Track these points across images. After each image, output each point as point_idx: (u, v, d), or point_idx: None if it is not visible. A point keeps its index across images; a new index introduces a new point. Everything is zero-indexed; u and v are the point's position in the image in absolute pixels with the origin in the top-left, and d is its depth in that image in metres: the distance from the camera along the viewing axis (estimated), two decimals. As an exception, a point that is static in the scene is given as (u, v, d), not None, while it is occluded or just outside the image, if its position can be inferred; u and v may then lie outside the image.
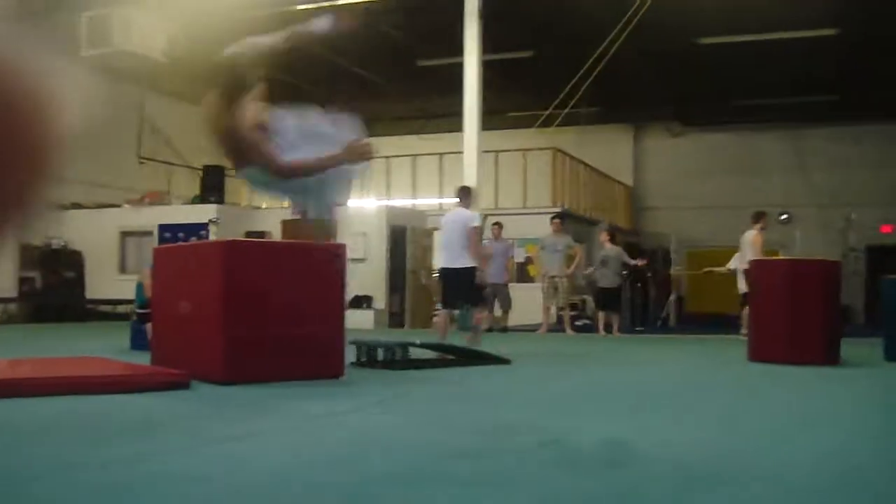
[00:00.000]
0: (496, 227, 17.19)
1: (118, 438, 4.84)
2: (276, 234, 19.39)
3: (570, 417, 5.93)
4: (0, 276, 20.31)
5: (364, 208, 21.47)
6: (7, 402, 6.09)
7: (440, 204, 22.07)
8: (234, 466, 4.06)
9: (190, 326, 7.91)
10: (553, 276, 16.88)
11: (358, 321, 16.34)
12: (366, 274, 18.43)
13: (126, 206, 21.92)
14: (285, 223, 19.14)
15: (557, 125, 21.29)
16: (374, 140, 24.84)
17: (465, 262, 11.35)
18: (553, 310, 17.38)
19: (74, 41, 16.90)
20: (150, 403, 6.33)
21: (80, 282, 21.75)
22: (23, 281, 20.88)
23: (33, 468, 3.94)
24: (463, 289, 11.48)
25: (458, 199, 12.11)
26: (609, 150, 26.77)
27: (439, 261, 11.60)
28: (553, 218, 17.41)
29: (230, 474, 3.87)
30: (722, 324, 18.76)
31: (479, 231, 11.80)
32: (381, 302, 19.34)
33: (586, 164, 24.39)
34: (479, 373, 8.94)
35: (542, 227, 17.77)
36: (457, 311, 13.44)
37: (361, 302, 18.60)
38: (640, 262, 18.02)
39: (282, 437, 5.01)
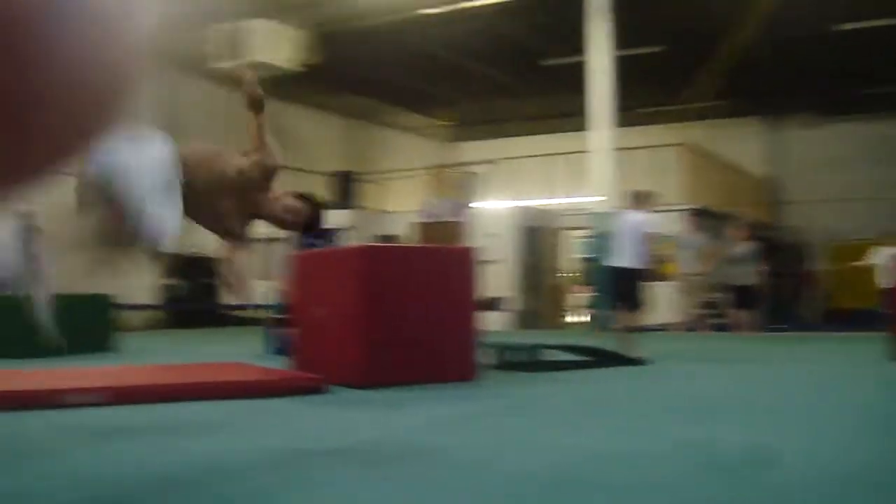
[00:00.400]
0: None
1: (262, 441, 4.91)
2: (407, 239, 19.59)
3: (710, 420, 5.77)
4: (144, 284, 20.99)
5: (496, 209, 21.45)
6: (150, 407, 6.26)
7: (572, 203, 21.90)
8: (371, 470, 4.07)
9: (327, 331, 8.00)
10: (688, 274, 16.57)
11: (490, 322, 16.32)
12: (498, 275, 18.39)
13: (261, 213, 22.34)
14: (416, 227, 19.35)
15: (687, 120, 20.93)
16: (504, 141, 24.69)
17: (637, 263, 11.24)
18: (689, 308, 17.06)
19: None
20: (283, 409, 6.41)
21: (217, 288, 22.28)
22: (164, 288, 21.52)
23: (174, 471, 4.02)
24: (628, 289, 11.38)
25: (631, 202, 11.97)
26: (740, 143, 26.03)
27: (610, 260, 11.58)
28: (688, 215, 17.09)
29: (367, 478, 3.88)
30: (867, 320, 18.09)
31: (654, 236, 11.73)
32: (513, 303, 19.29)
33: (718, 159, 23.84)
34: (613, 374, 8.81)
35: (675, 224, 17.45)
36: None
37: (494, 303, 18.58)
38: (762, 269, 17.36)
39: (421, 439, 5.00)
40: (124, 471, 4.09)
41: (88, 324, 11.43)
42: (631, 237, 11.67)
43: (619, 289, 11.88)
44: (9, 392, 6.23)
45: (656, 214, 12.81)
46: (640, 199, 12.14)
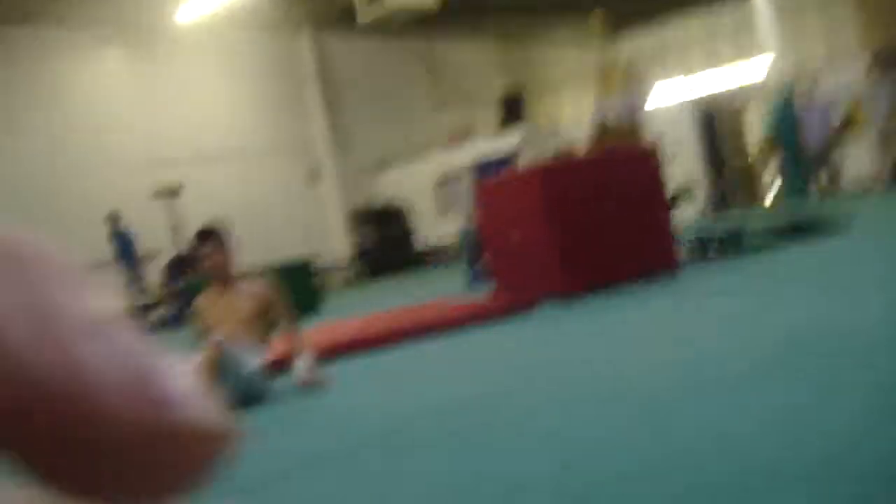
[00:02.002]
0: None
1: (475, 375, 5.02)
2: (584, 147, 19.37)
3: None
4: (336, 243, 21.63)
5: (668, 100, 20.95)
6: (368, 358, 6.48)
7: (745, 79, 21.12)
8: (602, 370, 4.11)
9: (523, 253, 8.05)
10: (880, 126, 15.72)
11: (683, 215, 16.01)
12: (682, 166, 18.00)
13: (436, 151, 22.57)
14: (591, 133, 19.10)
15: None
16: (666, 25, 23.68)
17: (822, 135, 10.99)
18: (887, 162, 16.23)
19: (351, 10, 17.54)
20: (498, 334, 6.52)
21: (408, 233, 22.70)
22: (356, 243, 22.08)
23: (404, 414, 4.15)
24: (818, 158, 11.15)
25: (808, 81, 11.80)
26: None
27: (795, 135, 11.55)
28: (869, 62, 16.14)
29: (600, 377, 3.92)
30: None
31: (832, 105, 11.64)
32: (703, 192, 18.87)
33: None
34: (815, 246, 8.45)
35: (856, 76, 16.53)
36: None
37: (682, 195, 18.22)
38: None
39: (635, 340, 5.00)
40: (377, 412, 4.27)
41: (296, 290, 11.84)
42: (816, 121, 11.42)
43: (809, 160, 11.48)
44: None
45: (830, 99, 12.62)
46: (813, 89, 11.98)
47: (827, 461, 2.27)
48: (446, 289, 11.40)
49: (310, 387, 5.18)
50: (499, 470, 2.84)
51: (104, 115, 17.55)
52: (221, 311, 5.46)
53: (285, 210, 20.61)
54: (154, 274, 16.42)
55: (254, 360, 5.16)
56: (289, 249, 16.54)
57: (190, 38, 18.98)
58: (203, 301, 5.64)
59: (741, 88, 20.86)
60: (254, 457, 3.75)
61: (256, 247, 18.19)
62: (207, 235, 5.61)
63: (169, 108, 18.77)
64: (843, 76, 17.24)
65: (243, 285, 5.59)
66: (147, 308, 15.64)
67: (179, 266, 15.74)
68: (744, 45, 20.90)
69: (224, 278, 5.57)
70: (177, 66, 19.38)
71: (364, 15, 17.45)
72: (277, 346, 5.65)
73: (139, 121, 18.19)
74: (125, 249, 16.00)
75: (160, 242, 16.71)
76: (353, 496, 2.92)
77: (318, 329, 8.70)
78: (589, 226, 7.68)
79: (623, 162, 8.28)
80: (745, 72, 21.15)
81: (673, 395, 3.41)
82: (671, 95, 21.73)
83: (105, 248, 15.74)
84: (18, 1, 15.98)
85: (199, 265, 5.62)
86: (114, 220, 15.90)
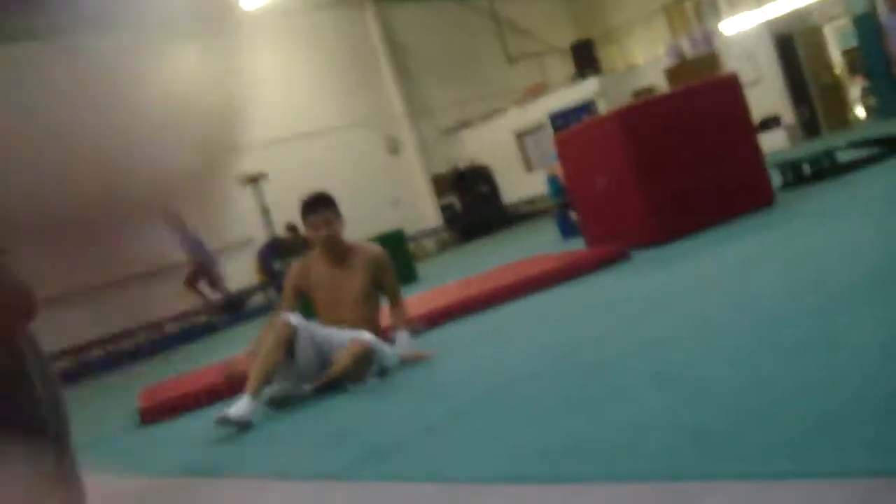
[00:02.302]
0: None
1: (581, 324, 5.02)
2: (662, 87, 19.08)
3: None
4: (424, 211, 21.72)
5: (742, 28, 20.47)
6: (471, 320, 6.52)
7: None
8: (694, 322, 4.08)
9: (611, 201, 7.99)
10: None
11: (771, 143, 15.68)
12: (765, 93, 17.61)
13: (513, 107, 22.47)
14: (668, 72, 18.79)
15: None
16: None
17: None
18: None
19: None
20: (597, 283, 6.50)
21: (494, 192, 22.69)
22: (443, 208, 22.15)
23: (521, 370, 4.18)
24: None
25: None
26: None
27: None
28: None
29: (696, 333, 3.89)
30: None
31: None
32: (789, 117, 18.45)
33: None
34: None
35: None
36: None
37: (769, 123, 17.85)
38: None
39: (739, 277, 4.94)
40: (493, 369, 4.31)
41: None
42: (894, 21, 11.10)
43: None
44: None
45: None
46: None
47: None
48: (538, 245, 11.38)
49: (413, 361, 5.19)
50: (621, 416, 2.84)
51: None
52: (334, 290, 5.32)
53: (371, 183, 20.73)
54: (249, 260, 16.71)
55: (387, 349, 5.10)
56: (378, 222, 16.66)
57: (256, 23, 19.13)
58: (310, 273, 5.40)
59: (818, 3, 20.28)
60: (377, 425, 3.83)
61: (348, 222, 18.38)
62: (323, 202, 5.37)
63: (240, 93, 18.94)
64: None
65: (355, 257, 5.39)
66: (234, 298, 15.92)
67: (275, 249, 15.99)
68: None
69: (338, 250, 5.36)
70: (246, 52, 19.55)
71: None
72: (383, 317, 5.59)
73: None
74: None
75: (251, 228, 17.00)
76: (477, 454, 2.96)
77: (418, 297, 8.77)
78: (676, 165, 7.56)
79: (704, 95, 8.12)
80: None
81: (796, 321, 3.38)
82: (746, 21, 21.23)
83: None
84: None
85: (310, 236, 5.38)
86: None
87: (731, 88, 8.06)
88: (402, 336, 5.33)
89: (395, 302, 5.48)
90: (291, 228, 15.86)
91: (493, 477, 2.66)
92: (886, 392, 2.30)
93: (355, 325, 5.19)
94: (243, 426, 4.57)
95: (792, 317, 3.52)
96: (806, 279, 4.23)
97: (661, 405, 2.84)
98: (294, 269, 5.50)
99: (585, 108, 20.15)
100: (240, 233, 16.82)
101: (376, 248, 5.53)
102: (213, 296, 15.37)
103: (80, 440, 2.44)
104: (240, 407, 4.59)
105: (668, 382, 3.09)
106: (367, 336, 5.00)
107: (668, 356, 3.50)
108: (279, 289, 16.03)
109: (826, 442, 2.09)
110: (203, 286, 15.22)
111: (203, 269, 15.01)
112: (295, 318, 5.00)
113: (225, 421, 4.54)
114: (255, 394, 4.70)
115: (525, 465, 2.68)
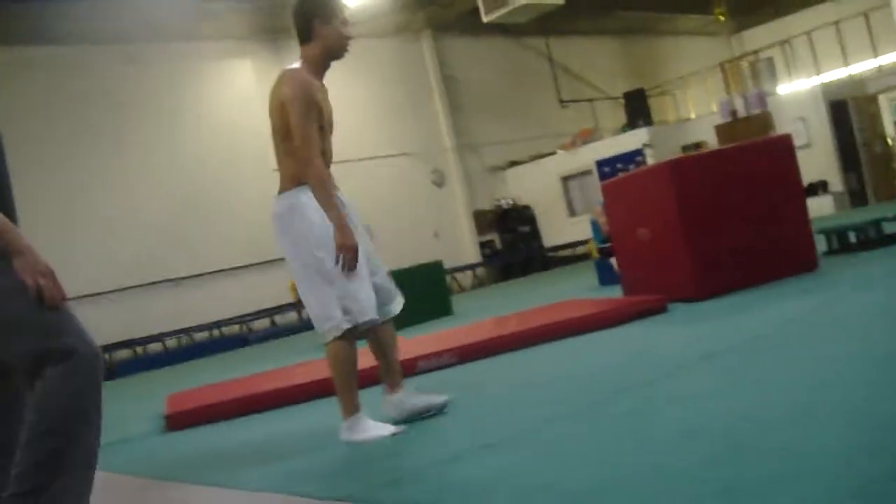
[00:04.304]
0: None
1: (615, 370, 5.01)
2: (711, 142, 19.05)
3: None
4: (463, 246, 21.76)
5: (797, 91, 20.43)
6: (502, 358, 6.52)
7: (878, 66, 20.44)
8: (722, 383, 4.07)
9: (653, 252, 7.98)
10: None
11: (817, 208, 15.60)
12: (815, 158, 17.54)
13: (561, 151, 22.51)
14: (719, 128, 18.78)
15: None
16: (790, 17, 23.05)
17: None
18: None
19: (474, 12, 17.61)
20: (634, 332, 6.49)
21: (534, 234, 22.72)
22: (483, 245, 22.20)
23: (554, 410, 4.18)
24: None
25: None
26: None
27: None
28: None
29: (720, 388, 3.88)
30: None
31: None
32: (837, 184, 18.36)
33: None
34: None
35: None
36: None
37: (816, 188, 17.77)
38: None
39: (778, 340, 4.92)
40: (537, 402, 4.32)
41: (428, 292, 12.02)
42: None
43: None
44: (367, 370, 6.66)
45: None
46: None
47: None
48: (575, 289, 11.38)
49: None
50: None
51: (239, 126, 17.83)
52: (329, 116, 4.67)
53: (414, 213, 20.83)
54: (285, 278, 16.81)
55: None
56: (418, 253, 16.71)
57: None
58: (316, 89, 4.49)
59: (875, 72, 20.22)
60: (403, 448, 3.85)
61: (387, 250, 18.47)
62: None
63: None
64: None
65: None
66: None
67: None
68: (876, 33, 20.23)
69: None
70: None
71: (489, 14, 17.50)
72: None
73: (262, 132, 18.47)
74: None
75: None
76: (498, 489, 2.96)
77: (453, 330, 8.80)
78: (722, 222, 7.54)
79: (755, 154, 8.11)
80: (878, 59, 20.49)
81: (833, 386, 3.36)
82: (801, 84, 21.20)
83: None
84: (147, 20, 16.51)
85: (335, 37, 4.49)
86: None
87: (783, 150, 8.05)
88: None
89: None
90: None
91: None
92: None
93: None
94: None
95: (829, 382, 3.51)
96: (847, 346, 4.21)
97: (691, 458, 2.84)
98: (305, 79, 4.42)
99: (633, 157, 20.14)
100: (279, 250, 16.90)
101: None
102: None
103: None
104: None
105: (700, 435, 3.09)
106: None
107: (703, 410, 3.49)
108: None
109: (858, 508, 2.09)
110: None
111: None
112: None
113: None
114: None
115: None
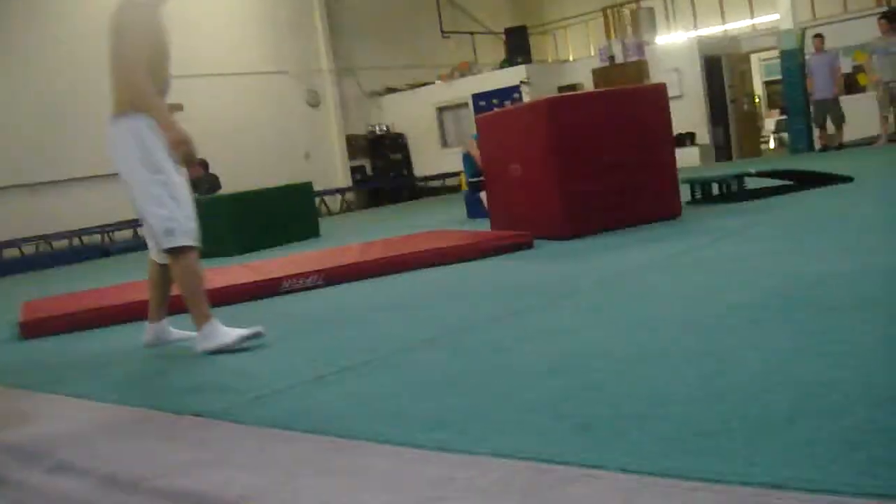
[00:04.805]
0: (817, 39, 16.12)
1: (481, 301, 5.06)
2: (588, 84, 19.27)
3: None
4: (334, 169, 21.58)
5: (674, 42, 20.78)
6: (367, 282, 6.52)
7: (752, 25, 20.92)
8: (588, 318, 4.15)
9: (524, 188, 8.05)
10: (888, 82, 15.66)
11: (683, 159, 15.90)
12: (685, 110, 17.90)
13: (438, 82, 22.44)
14: (596, 72, 18.98)
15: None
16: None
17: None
18: (891, 118, 16.17)
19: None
20: (500, 266, 6.56)
21: (406, 162, 22.69)
22: (354, 170, 22.09)
23: (417, 335, 4.20)
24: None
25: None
26: None
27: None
28: (880, 18, 16.04)
29: (586, 324, 3.96)
30: None
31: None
32: (704, 137, 18.81)
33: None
34: (820, 195, 8.47)
35: (868, 31, 16.39)
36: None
37: (684, 139, 18.16)
38: None
39: (629, 282, 5.04)
40: (389, 333, 4.32)
41: (297, 212, 11.91)
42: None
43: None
44: (233, 287, 6.59)
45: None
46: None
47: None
48: (444, 220, 11.42)
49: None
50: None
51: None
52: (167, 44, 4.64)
53: (286, 132, 20.52)
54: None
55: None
56: (288, 172, 16.51)
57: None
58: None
59: (749, 31, 20.70)
60: (267, 370, 3.80)
61: (256, 167, 18.16)
62: None
63: (170, 23, 18.42)
64: (857, 31, 17.08)
65: None
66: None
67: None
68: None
69: None
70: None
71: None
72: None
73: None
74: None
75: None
76: (357, 412, 2.97)
77: (319, 252, 8.75)
78: (593, 164, 7.65)
79: (631, 100, 8.23)
80: (754, 19, 20.98)
81: (682, 329, 3.47)
82: (679, 36, 21.56)
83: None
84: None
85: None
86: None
87: (657, 98, 8.17)
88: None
89: None
90: (202, 164, 15.64)
91: (371, 436, 2.67)
92: (761, 407, 2.38)
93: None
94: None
95: (684, 323, 3.61)
96: (702, 291, 4.34)
97: (549, 392, 2.89)
98: (141, 8, 4.52)
99: (510, 93, 20.23)
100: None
101: None
102: None
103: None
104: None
105: (559, 372, 3.14)
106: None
107: (563, 345, 3.56)
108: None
109: (701, 448, 2.15)
110: None
111: None
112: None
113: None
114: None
115: (406, 430, 2.69)
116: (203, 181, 15.45)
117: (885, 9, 17.54)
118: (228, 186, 14.67)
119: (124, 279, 8.87)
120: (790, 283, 4.22)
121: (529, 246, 7.20)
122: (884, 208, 7.18)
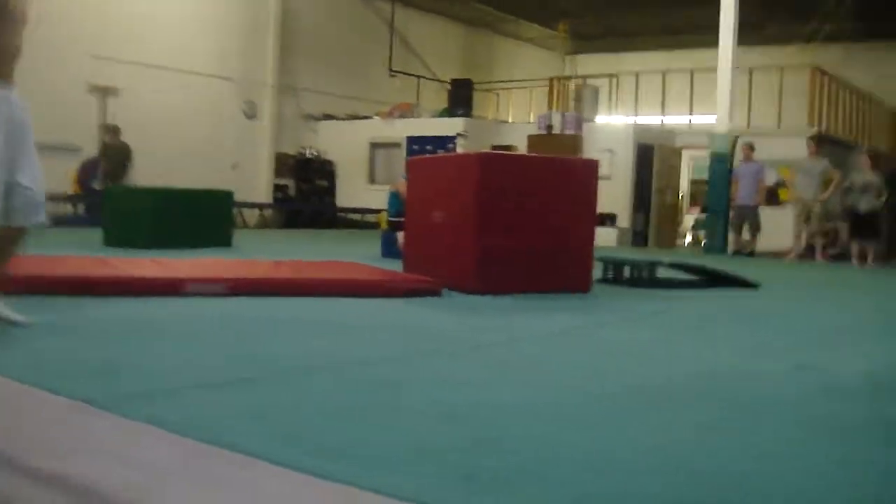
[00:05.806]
0: (746, 147, 16.60)
1: (381, 339, 5.04)
2: (522, 148, 19.48)
3: (824, 346, 5.69)
4: (257, 184, 21.44)
5: (612, 124, 21.16)
6: (271, 300, 6.45)
7: (690, 122, 21.42)
8: (488, 373, 4.16)
9: (442, 236, 8.06)
10: (807, 201, 16.16)
11: (601, 237, 16.13)
12: (611, 191, 18.18)
13: (377, 118, 22.50)
14: (532, 137, 19.23)
15: (820, 41, 20.20)
16: (623, 55, 24.00)
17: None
18: (804, 236, 16.66)
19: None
20: (405, 308, 6.55)
21: (331, 190, 22.64)
22: (277, 188, 21.97)
23: (312, 361, 4.16)
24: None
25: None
26: (877, 69, 24.52)
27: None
28: (809, 139, 16.58)
29: (485, 378, 3.97)
30: None
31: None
32: (624, 220, 19.14)
33: (848, 85, 22.67)
34: (727, 296, 8.69)
35: (796, 149, 16.91)
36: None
37: (606, 219, 18.45)
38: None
39: (533, 346, 5.07)
40: (286, 351, 4.26)
41: (213, 217, 11.79)
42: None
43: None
44: (139, 279, 6.49)
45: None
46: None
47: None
48: (357, 254, 11.36)
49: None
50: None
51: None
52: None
53: (217, 138, 20.33)
54: (69, 169, 16.05)
55: None
56: (212, 179, 16.32)
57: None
58: None
59: (685, 128, 21.18)
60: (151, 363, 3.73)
61: (182, 166, 17.91)
62: None
63: (116, 6, 18.12)
64: (786, 147, 17.58)
65: None
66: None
67: (96, 167, 15.48)
68: (696, 92, 21.21)
69: None
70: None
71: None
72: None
73: (83, 13, 17.39)
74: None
75: (83, 139, 16.37)
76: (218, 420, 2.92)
77: (228, 261, 8.65)
78: (514, 225, 7.69)
79: (563, 169, 8.33)
80: (694, 114, 21.47)
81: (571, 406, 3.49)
82: (618, 119, 21.98)
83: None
84: None
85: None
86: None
87: (588, 174, 8.28)
88: None
89: None
90: (113, 130, 15.56)
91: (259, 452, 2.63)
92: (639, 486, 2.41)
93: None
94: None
95: (578, 394, 3.65)
96: (598, 368, 4.39)
97: (441, 439, 2.88)
98: None
99: (445, 142, 20.36)
100: (71, 138, 16.08)
101: None
102: None
103: None
104: None
105: (454, 419, 3.14)
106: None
107: (463, 395, 3.56)
108: (88, 208, 15.53)
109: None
110: None
111: None
112: None
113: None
114: None
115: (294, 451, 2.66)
116: (111, 147, 15.35)
117: (815, 131, 18.11)
118: (152, 180, 14.47)
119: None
120: (691, 372, 4.30)
121: (437, 294, 7.20)
122: (784, 315, 7.36)
